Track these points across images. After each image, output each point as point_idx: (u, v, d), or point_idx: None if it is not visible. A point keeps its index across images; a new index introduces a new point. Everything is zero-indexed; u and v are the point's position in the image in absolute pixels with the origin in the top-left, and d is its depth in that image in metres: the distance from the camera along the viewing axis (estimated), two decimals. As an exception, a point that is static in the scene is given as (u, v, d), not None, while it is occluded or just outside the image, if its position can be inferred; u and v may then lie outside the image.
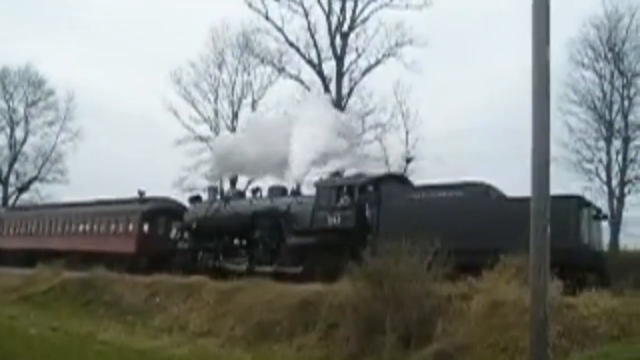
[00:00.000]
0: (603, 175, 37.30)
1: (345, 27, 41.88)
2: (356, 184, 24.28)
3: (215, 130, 46.58)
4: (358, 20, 41.85)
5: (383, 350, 16.44)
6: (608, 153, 36.91)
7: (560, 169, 33.85)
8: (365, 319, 17.27)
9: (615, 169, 36.96)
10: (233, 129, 46.19)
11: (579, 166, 37.49)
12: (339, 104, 40.49)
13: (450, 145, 43.53)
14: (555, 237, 17.76)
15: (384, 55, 41.39)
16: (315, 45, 42.02)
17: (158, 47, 70.25)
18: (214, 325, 21.37)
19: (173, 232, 30.95)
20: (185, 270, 26.96)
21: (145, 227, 33.27)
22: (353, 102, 42.39)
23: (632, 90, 36.70)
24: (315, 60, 41.96)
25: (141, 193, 35.00)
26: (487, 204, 21.01)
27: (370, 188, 24.04)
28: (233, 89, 47.12)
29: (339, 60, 41.72)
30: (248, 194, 29.84)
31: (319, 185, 25.44)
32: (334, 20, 41.98)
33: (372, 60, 41.64)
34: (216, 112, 47.10)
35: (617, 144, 36.91)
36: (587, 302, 15.04)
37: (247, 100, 46.91)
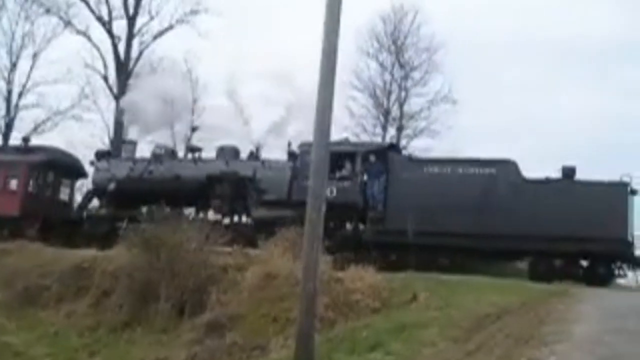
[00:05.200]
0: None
1: (140, -13, 40.58)
2: (359, 152, 21.19)
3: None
4: (154, -18, 40.69)
5: (156, 318, 16.41)
6: (383, 139, 39.05)
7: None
8: (140, 287, 17.10)
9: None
10: (10, 81, 43.04)
11: (357, 150, 39.28)
12: (127, 66, 39.24)
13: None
14: (605, 226, 18.05)
15: (177, 21, 40.66)
16: (107, 1, 40.32)
17: None
18: (-26, 290, 20.02)
19: (64, 192, 26.01)
20: (102, 244, 21.27)
21: (33, 185, 25.99)
22: (141, 66, 41.21)
23: (410, 83, 39.24)
24: (106, 18, 40.25)
25: (26, 140, 28.18)
26: (521, 182, 19.51)
27: (373, 158, 21.11)
28: (13, 37, 43.78)
29: (131, 20, 40.33)
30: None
31: (306, 150, 20.68)
32: (128, -22, 40.50)
33: (165, 25, 40.75)
34: (-8, 61, 43.53)
35: (392, 130, 39.26)
36: (353, 277, 16.01)
37: (28, 52, 43.75)
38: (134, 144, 26.29)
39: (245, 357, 14.56)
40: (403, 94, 39.31)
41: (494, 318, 12.56)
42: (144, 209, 23.06)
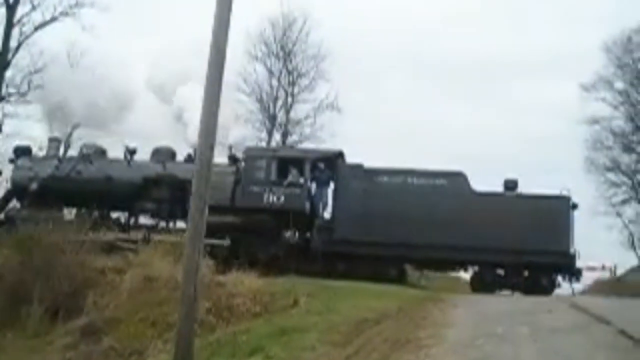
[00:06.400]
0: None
1: (20, -24, 38.87)
2: (308, 158, 20.95)
3: None
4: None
5: (28, 322, 15.75)
6: (269, 143, 39.21)
7: (222, 155, 35.12)
8: (11, 289, 16.36)
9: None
10: None
11: (240, 153, 39.21)
12: (5, 56, 37.51)
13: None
14: (549, 239, 18.44)
15: (61, 13, 39.21)
16: (-15, -13, 38.36)
17: None
18: None
19: None
20: None
21: None
22: (21, 57, 39.48)
23: (296, 89, 39.60)
24: (-17, 5, 38.36)
25: None
26: (471, 195, 19.76)
27: (322, 165, 20.95)
28: None
29: (11, 9, 38.59)
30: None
31: (252, 155, 21.29)
32: (9, -35, 38.72)
33: (48, 16, 39.22)
34: None
35: (277, 136, 39.45)
36: (235, 281, 15.98)
37: None
38: (58, 141, 24.22)
39: (122, 362, 14.23)
40: (290, 100, 39.61)
41: (372, 323, 12.83)
42: (72, 211, 22.06)
